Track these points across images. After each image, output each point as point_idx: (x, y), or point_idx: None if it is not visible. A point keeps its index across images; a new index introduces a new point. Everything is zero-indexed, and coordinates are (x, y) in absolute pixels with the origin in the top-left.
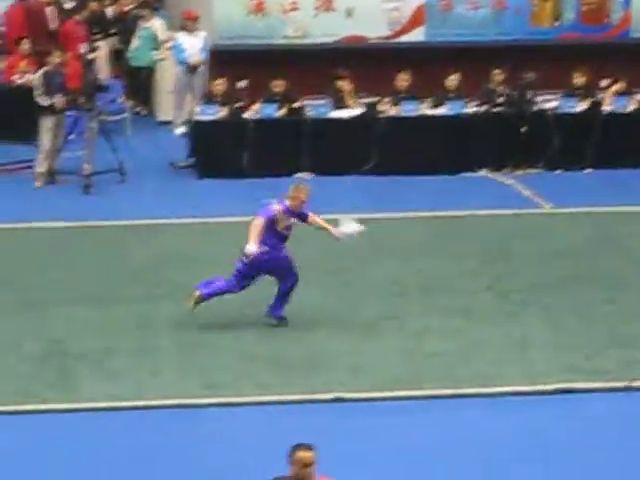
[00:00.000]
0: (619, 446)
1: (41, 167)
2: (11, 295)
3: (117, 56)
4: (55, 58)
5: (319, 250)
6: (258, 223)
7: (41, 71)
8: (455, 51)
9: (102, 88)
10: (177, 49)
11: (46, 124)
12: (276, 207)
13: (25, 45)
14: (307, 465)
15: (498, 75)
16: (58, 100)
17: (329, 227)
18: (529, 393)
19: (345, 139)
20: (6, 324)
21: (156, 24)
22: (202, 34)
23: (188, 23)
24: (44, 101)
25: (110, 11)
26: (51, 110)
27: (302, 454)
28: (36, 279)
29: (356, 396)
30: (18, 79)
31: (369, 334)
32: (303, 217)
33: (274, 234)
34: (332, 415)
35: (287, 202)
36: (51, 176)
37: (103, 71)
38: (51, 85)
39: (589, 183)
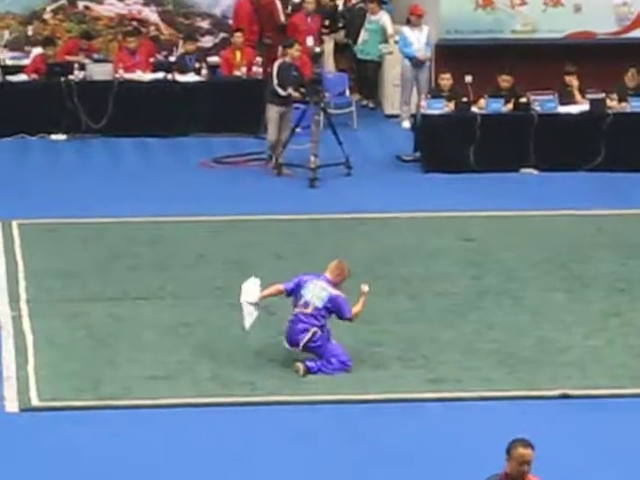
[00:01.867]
0: None
1: (280, 157)
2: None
3: (343, 49)
4: (295, 51)
5: (545, 245)
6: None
7: (277, 62)
8: None
9: (318, 82)
10: (403, 43)
11: (273, 115)
12: (340, 294)
13: (239, 38)
14: (526, 462)
15: None
16: (292, 92)
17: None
18: None
19: (572, 135)
20: (233, 315)
21: (384, 17)
22: (426, 28)
23: (413, 18)
24: (280, 91)
25: (341, 5)
26: (281, 102)
27: (523, 451)
28: (262, 271)
29: (583, 393)
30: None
31: (594, 330)
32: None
33: None
34: (558, 412)
35: (332, 279)
36: (277, 168)
37: (329, 64)
38: (286, 77)
39: None
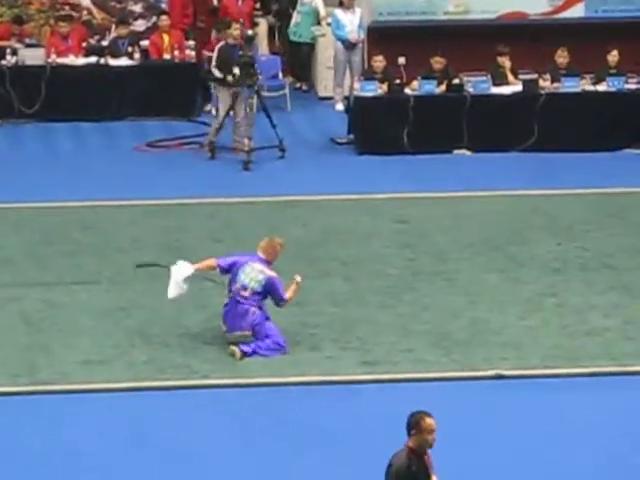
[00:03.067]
0: None
1: (213, 137)
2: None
3: (276, 32)
4: (234, 30)
5: (478, 226)
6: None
7: (219, 45)
8: (616, 27)
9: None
10: (336, 25)
11: (223, 98)
12: (275, 276)
13: (165, 21)
14: (434, 431)
15: None
16: (221, 74)
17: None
18: None
19: (505, 116)
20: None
21: (316, 0)
22: (358, 10)
23: (346, 0)
24: (217, 73)
25: None
26: (227, 83)
27: (430, 420)
28: (198, 254)
29: (517, 373)
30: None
31: (529, 310)
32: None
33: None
34: (492, 392)
35: (265, 256)
36: (211, 152)
37: (263, 47)
38: (230, 59)
39: None
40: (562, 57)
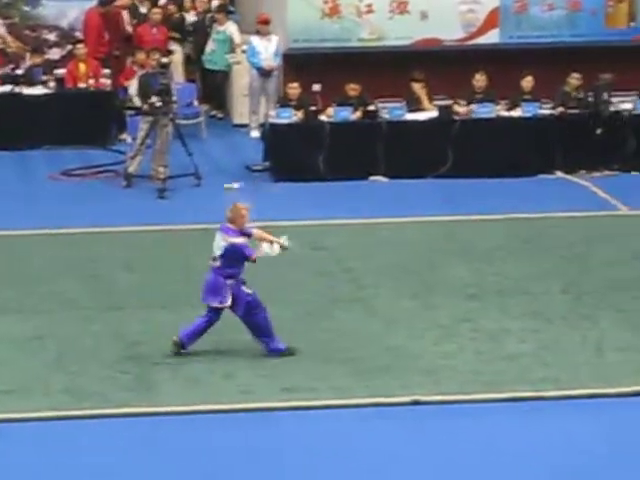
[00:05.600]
0: None
1: (131, 167)
2: (90, 298)
3: (192, 60)
4: (152, 60)
5: (395, 253)
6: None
7: (140, 73)
8: (530, 53)
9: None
10: (251, 53)
11: (142, 126)
12: (237, 241)
13: (80, 50)
14: None
15: (575, 79)
16: (141, 103)
17: (272, 238)
18: (607, 395)
19: (420, 142)
20: (85, 327)
21: (231, 28)
22: (275, 38)
23: (261, 27)
24: (139, 103)
25: (191, 16)
26: (147, 112)
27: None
28: (114, 283)
29: (434, 399)
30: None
31: (446, 336)
32: (249, 234)
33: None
34: (410, 418)
35: (233, 226)
36: (127, 180)
37: (178, 75)
38: (151, 87)
39: None
40: (480, 81)
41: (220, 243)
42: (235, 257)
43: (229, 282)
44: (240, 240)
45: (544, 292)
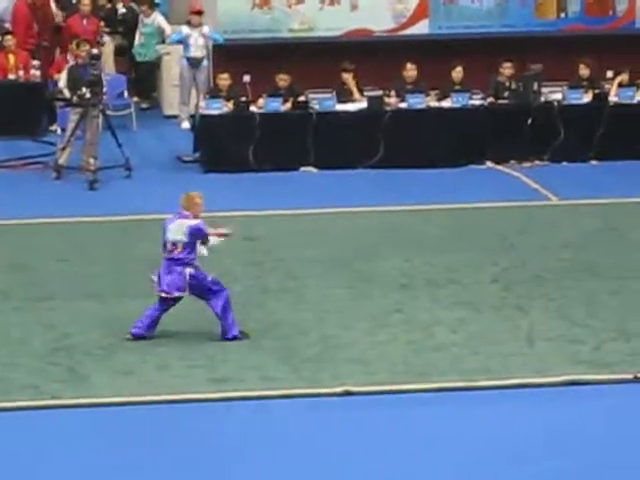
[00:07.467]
0: (631, 438)
1: (61, 159)
2: (20, 289)
3: (123, 51)
4: (82, 52)
5: (326, 243)
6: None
7: (68, 65)
8: (460, 43)
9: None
10: (177, 37)
11: (71, 117)
12: (198, 222)
13: (9, 41)
14: None
15: (508, 69)
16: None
17: (215, 231)
18: (537, 385)
19: (351, 132)
20: (15, 318)
21: (158, 19)
22: (205, 28)
23: (192, 17)
24: (69, 94)
25: (121, 7)
26: (76, 104)
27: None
28: (45, 274)
29: (365, 389)
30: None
31: (377, 326)
32: None
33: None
34: (341, 409)
35: (189, 212)
36: (57, 171)
37: (109, 66)
38: (80, 78)
39: (595, 175)
40: (411, 71)
41: (183, 229)
42: (196, 240)
43: (187, 270)
44: (200, 221)
45: (475, 282)
